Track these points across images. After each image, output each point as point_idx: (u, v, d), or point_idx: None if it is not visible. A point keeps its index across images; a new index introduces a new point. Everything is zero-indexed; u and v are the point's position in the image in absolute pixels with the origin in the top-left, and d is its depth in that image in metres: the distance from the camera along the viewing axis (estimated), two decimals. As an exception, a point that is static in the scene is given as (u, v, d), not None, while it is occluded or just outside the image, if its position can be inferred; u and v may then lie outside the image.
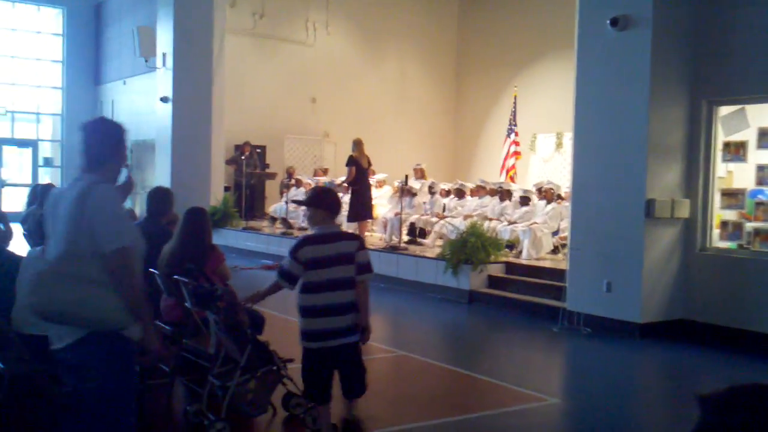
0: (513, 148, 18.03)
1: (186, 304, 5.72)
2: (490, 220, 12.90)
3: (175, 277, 5.70)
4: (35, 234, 8.38)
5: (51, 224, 3.46)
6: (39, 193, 8.95)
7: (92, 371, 3.33)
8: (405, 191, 13.96)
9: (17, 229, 8.60)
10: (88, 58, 23.59)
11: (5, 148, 23.17)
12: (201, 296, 5.32)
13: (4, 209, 21.87)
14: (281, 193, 18.24)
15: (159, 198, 6.99)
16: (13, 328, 4.89)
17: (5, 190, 23.05)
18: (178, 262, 5.95)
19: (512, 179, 17.58)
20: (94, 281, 3.24)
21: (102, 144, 3.54)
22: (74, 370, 3.38)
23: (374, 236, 15.07)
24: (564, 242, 12.01)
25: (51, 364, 4.91)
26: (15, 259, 5.72)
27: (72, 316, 3.25)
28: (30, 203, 9.42)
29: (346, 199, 13.27)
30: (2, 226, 6.80)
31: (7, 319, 4.91)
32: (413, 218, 14.17)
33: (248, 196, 18.06)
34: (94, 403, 3.37)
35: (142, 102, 20.32)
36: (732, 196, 9.10)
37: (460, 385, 6.99)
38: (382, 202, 15.58)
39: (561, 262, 11.27)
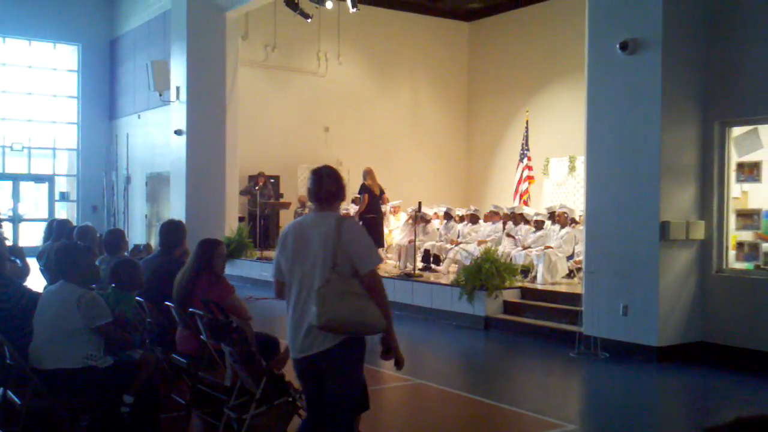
0: (526, 173, 18.05)
1: (201, 337, 5.73)
2: (511, 237, 12.83)
3: (191, 310, 5.72)
4: (52, 269, 8.47)
5: (298, 250, 4.10)
6: (55, 229, 9.03)
7: (343, 370, 4.07)
8: (419, 218, 13.96)
9: (34, 264, 8.68)
10: (103, 93, 23.88)
11: (22, 183, 23.42)
12: (215, 329, 5.33)
13: (21, 244, 22.19)
14: (295, 223, 18.26)
15: (171, 231, 7.02)
16: (30, 364, 4.92)
17: (22, 225, 23.25)
18: (190, 294, 5.97)
19: (526, 203, 17.58)
20: (361, 295, 3.96)
21: (336, 185, 4.24)
22: (326, 372, 4.06)
23: (388, 264, 15.07)
24: (579, 266, 11.96)
25: (67, 399, 4.95)
26: (32, 295, 5.77)
27: (352, 323, 3.94)
28: (46, 238, 9.51)
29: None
30: (19, 262, 6.88)
31: (23, 355, 4.94)
32: (427, 245, 14.16)
33: (262, 226, 18.12)
34: (339, 401, 4.06)
35: (157, 135, 20.52)
36: (747, 216, 9.05)
37: (479, 413, 6.94)
38: (400, 227, 15.61)
39: (576, 286, 11.22)
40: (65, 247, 5.30)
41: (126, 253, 7.94)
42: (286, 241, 4.20)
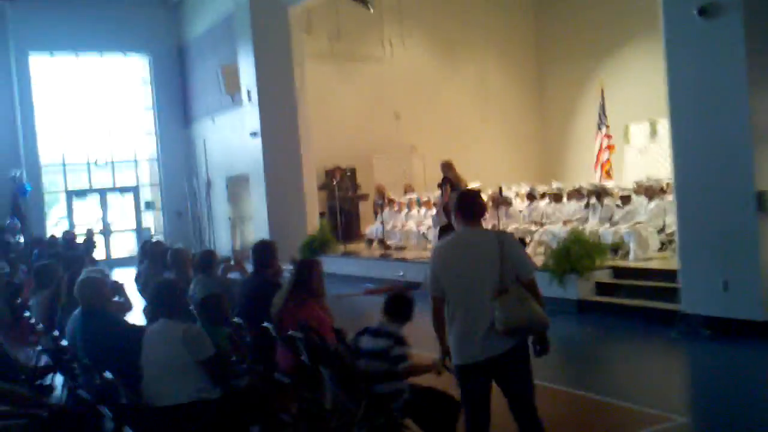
0: (606, 142, 17.61)
1: (302, 357, 5.80)
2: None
3: (290, 333, 5.79)
4: (153, 305, 8.70)
5: (464, 266, 4.61)
6: (149, 251, 9.29)
7: (526, 366, 4.66)
8: (500, 202, 13.80)
9: (132, 288, 8.97)
10: (176, 101, 24.39)
11: (109, 195, 24.21)
12: (312, 352, 5.39)
13: (113, 256, 22.94)
14: (375, 214, 18.36)
15: (262, 251, 7.12)
16: (143, 401, 5.07)
17: (112, 237, 24.04)
18: (285, 314, 6.05)
19: (608, 174, 17.19)
20: (530, 298, 4.50)
21: (474, 204, 4.78)
22: (510, 373, 4.62)
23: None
24: (671, 239, 11.64)
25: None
26: (136, 330, 5.95)
27: (531, 323, 4.53)
28: (140, 260, 9.79)
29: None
30: (120, 298, 7.09)
31: (136, 393, 5.10)
32: (511, 228, 13.99)
33: (343, 220, 18.26)
34: (528, 394, 4.68)
35: (232, 137, 20.85)
36: None
37: (579, 408, 6.84)
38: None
39: (671, 260, 10.91)
40: (165, 286, 5.43)
41: (218, 272, 8.08)
42: (447, 260, 4.68)
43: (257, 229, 19.15)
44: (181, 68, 24.43)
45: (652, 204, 12.04)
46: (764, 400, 6.88)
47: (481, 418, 4.71)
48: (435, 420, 5.29)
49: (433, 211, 15.14)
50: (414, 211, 17.14)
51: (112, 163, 24.00)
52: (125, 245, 24.19)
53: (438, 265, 4.70)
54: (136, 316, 7.84)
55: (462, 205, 4.75)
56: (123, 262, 20.69)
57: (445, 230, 13.86)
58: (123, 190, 24.45)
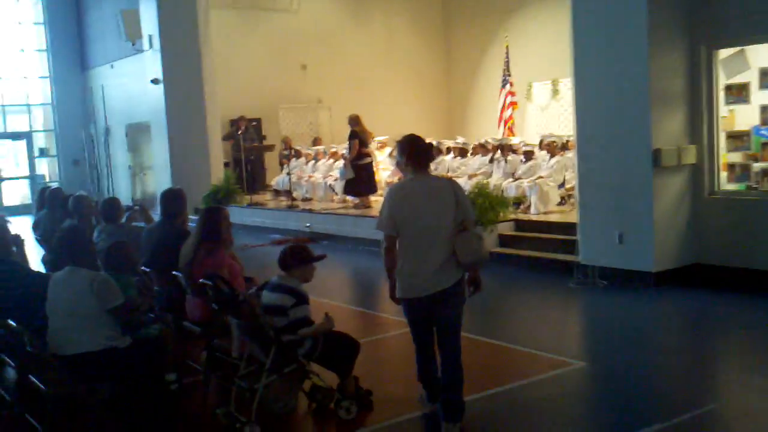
0: (509, 99, 17.95)
1: (213, 305, 5.77)
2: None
3: (201, 281, 5.74)
4: (47, 239, 8.43)
5: (418, 207, 4.91)
6: (48, 198, 8.96)
7: (458, 300, 5.02)
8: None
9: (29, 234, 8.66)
10: (72, 45, 23.35)
11: (-1, 142, 23.12)
12: (221, 302, 5.37)
13: (6, 202, 21.96)
14: (281, 165, 18.23)
15: (173, 199, 6.99)
16: (51, 350, 4.96)
17: (4, 184, 23.02)
18: (195, 263, 6.00)
19: (511, 130, 17.56)
20: (481, 237, 5.11)
21: (427, 151, 5.17)
22: (448, 302, 4.98)
23: (379, 201, 15.10)
24: (570, 193, 12.07)
25: (93, 382, 5.02)
26: (41, 277, 5.78)
27: (484, 256, 5.14)
28: (39, 207, 9.43)
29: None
30: (16, 250, 6.80)
31: (42, 342, 4.98)
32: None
33: (248, 171, 18.04)
34: (457, 323, 5.08)
35: (133, 85, 20.18)
36: (737, 138, 9.11)
37: (485, 355, 7.07)
38: (385, 166, 15.60)
39: (570, 214, 11.32)
40: (71, 233, 5.29)
41: (123, 221, 7.88)
42: (406, 201, 4.94)
43: (159, 179, 18.72)
44: (78, 10, 23.33)
45: (554, 160, 12.42)
46: (654, 344, 7.30)
47: (427, 338, 5.23)
48: (336, 359, 5.44)
49: (341, 163, 15.16)
50: (321, 163, 17.10)
51: (3, 107, 22.84)
52: (18, 193, 23.19)
53: (396, 205, 4.96)
54: (35, 266, 7.58)
55: (415, 151, 5.00)
56: (16, 210, 19.86)
57: (352, 183, 13.98)
58: (14, 136, 23.34)
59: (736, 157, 9.15)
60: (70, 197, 8.27)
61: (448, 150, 14.86)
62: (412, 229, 4.91)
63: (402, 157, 5.03)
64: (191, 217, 7.45)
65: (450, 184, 5.13)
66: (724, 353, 7.05)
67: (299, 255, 5.40)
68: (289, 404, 5.38)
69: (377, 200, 15.11)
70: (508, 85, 17.97)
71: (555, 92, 18.55)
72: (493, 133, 16.96)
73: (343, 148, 15.51)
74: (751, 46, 8.85)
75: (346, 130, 14.29)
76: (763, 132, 8.93)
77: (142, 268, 6.69)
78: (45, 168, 23.92)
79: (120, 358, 5.01)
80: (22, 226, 9.72)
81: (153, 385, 5.28)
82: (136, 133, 20.86)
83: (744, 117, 9.15)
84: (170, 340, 5.40)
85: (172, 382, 5.29)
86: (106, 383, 5.09)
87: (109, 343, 5.00)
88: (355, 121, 13.99)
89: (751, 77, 8.89)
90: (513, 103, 17.97)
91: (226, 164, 18.65)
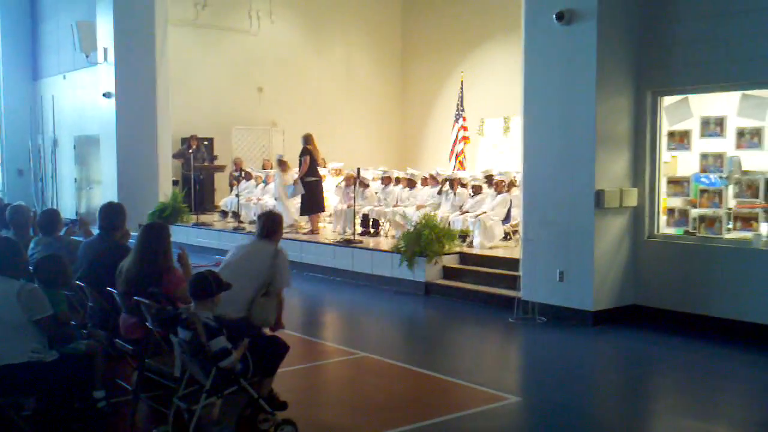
0: (461, 133, 18.17)
1: (147, 324, 5.67)
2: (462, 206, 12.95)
3: (136, 298, 5.64)
4: None
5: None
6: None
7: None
8: (358, 183, 13.96)
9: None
10: (24, 52, 22.95)
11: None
12: (165, 320, 5.28)
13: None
14: (231, 186, 18.11)
15: (112, 213, 6.88)
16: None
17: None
18: (136, 281, 5.90)
19: (462, 164, 17.74)
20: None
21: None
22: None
23: (327, 228, 15.08)
24: (515, 229, 12.20)
25: (15, 395, 4.88)
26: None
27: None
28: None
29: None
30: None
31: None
32: (366, 209, 14.20)
33: (197, 190, 17.87)
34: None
35: (85, 97, 19.90)
36: (677, 183, 9.34)
37: (422, 386, 7.07)
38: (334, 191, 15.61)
39: (514, 250, 11.44)
40: (3, 243, 5.17)
41: (61, 233, 7.72)
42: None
43: (105, 193, 18.38)
44: (32, 19, 22.99)
45: (499, 196, 12.55)
46: (589, 382, 7.39)
47: None
48: (263, 359, 5.42)
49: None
50: (270, 185, 17.02)
51: (-53, 111, 22.29)
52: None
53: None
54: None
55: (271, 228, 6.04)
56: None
57: (303, 201, 14.04)
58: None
59: (676, 202, 9.37)
60: (8, 207, 8.08)
61: (398, 180, 14.93)
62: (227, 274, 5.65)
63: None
64: (132, 233, 7.32)
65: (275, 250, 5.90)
66: (657, 393, 7.15)
67: (210, 285, 5.27)
68: (227, 427, 5.30)
69: (324, 227, 15.11)
70: (461, 120, 18.20)
71: (506, 129, 18.84)
72: (445, 166, 17.12)
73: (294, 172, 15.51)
74: (694, 95, 9.11)
75: (299, 154, 14.32)
76: (702, 179, 9.16)
77: (77, 282, 6.55)
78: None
79: (46, 372, 4.89)
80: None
81: (79, 401, 5.16)
82: (85, 145, 20.53)
83: (685, 163, 9.39)
84: (99, 356, 5.28)
85: (99, 399, 5.17)
86: (31, 397, 4.95)
87: (34, 356, 4.87)
88: (307, 139, 14.19)
89: (694, 125, 9.15)
90: (465, 138, 18.20)
91: (175, 182, 18.46)
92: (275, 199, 15.36)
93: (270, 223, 6.09)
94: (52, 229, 7.47)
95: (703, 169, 9.12)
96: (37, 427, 5.04)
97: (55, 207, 18.93)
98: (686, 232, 9.23)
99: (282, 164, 15.39)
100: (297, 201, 14.77)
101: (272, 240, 6.03)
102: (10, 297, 4.85)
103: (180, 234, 16.18)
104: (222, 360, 4.99)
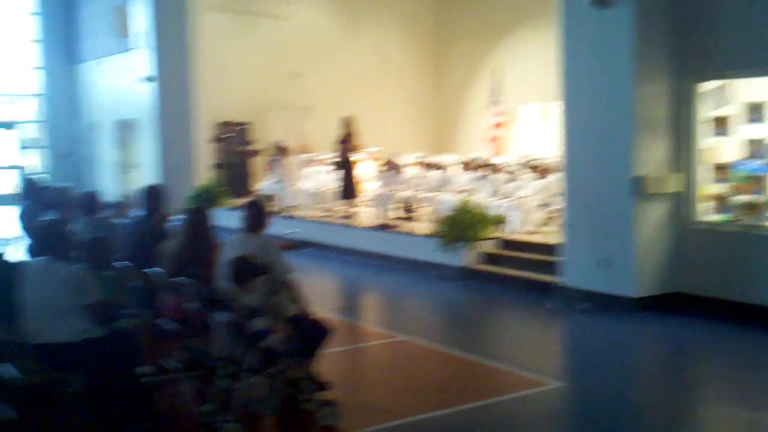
0: (496, 120, 18.02)
1: (190, 304, 5.71)
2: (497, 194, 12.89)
3: (178, 278, 5.68)
4: (31, 229, 8.32)
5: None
6: (31, 189, 8.86)
7: None
8: (394, 167, 13.93)
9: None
10: (64, 37, 23.21)
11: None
12: (209, 300, 5.32)
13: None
14: (270, 170, 18.13)
15: (154, 196, 6.93)
16: (23, 338, 4.87)
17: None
18: (183, 263, 5.95)
19: (498, 150, 17.60)
20: None
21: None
22: None
23: (365, 213, 15.07)
24: (552, 215, 12.07)
25: (62, 371, 4.94)
26: (9, 266, 5.71)
27: None
28: (24, 198, 9.30)
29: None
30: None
31: (10, 329, 4.90)
32: (403, 194, 14.17)
33: (234, 174, 17.96)
34: None
35: (122, 81, 20.07)
36: (721, 169, 9.16)
37: (462, 370, 7.06)
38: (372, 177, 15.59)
39: (553, 236, 11.32)
40: (50, 226, 5.22)
41: (101, 214, 7.80)
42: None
43: (144, 177, 18.60)
44: (70, 4, 23.23)
45: (537, 181, 12.43)
46: (633, 369, 7.31)
47: None
48: (307, 341, 5.47)
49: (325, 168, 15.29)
50: (308, 170, 17.05)
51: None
52: (4, 183, 22.91)
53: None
54: (20, 254, 7.52)
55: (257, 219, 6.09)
56: (6, 200, 19.63)
57: (345, 184, 14.09)
58: (5, 125, 23.13)
59: (720, 189, 9.20)
60: (53, 189, 8.19)
61: (435, 165, 14.84)
62: None
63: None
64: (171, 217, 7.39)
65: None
66: (702, 382, 7.06)
67: (248, 270, 5.35)
68: (270, 406, 5.34)
69: (358, 211, 15.12)
70: (496, 105, 18.03)
71: (542, 115, 18.62)
72: (480, 151, 16.98)
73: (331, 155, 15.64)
74: (739, 80, 8.92)
75: (335, 140, 14.33)
76: (747, 165, 8.99)
77: (119, 263, 6.61)
78: (32, 159, 23.70)
79: (93, 349, 4.96)
80: (8, 215, 9.64)
81: (124, 376, 5.21)
82: (124, 129, 20.75)
83: (729, 149, 9.21)
84: (143, 334, 5.34)
85: (143, 375, 5.22)
86: (79, 374, 5.01)
87: (85, 335, 4.93)
88: (346, 123, 14.08)
89: (738, 110, 8.96)
90: (500, 124, 18.04)
91: (217, 166, 18.56)
92: (277, 182, 15.58)
93: (256, 215, 6.10)
94: (92, 211, 7.55)
95: (749, 155, 8.93)
96: (84, 402, 5.10)
97: (97, 189, 19.24)
98: (730, 219, 9.06)
99: (281, 150, 15.73)
100: (334, 186, 14.79)
101: (259, 232, 6.05)
102: (58, 282, 4.90)
103: (218, 217, 16.27)
104: (260, 340, 5.03)
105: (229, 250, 5.92)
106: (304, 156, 17.58)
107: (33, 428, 5.10)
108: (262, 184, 17.60)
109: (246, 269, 5.32)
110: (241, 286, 5.27)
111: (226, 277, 5.39)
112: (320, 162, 16.61)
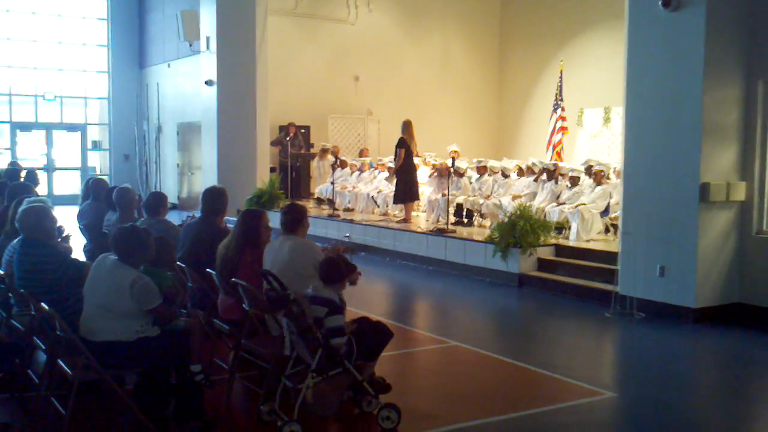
0: (560, 124, 17.81)
1: (244, 305, 5.80)
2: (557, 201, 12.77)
3: (234, 280, 5.77)
4: (93, 229, 8.57)
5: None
6: (92, 188, 9.10)
7: None
8: (452, 172, 13.89)
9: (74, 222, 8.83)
10: (132, 42, 23.85)
11: (55, 132, 23.60)
12: (274, 300, 5.38)
13: (56, 192, 22.44)
14: (333, 170, 18.26)
15: (214, 198, 7.04)
16: (81, 335, 5.01)
17: (56, 174, 23.51)
18: (233, 264, 6.04)
19: (559, 155, 17.40)
20: None
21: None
22: None
23: (420, 217, 15.08)
24: (614, 222, 11.88)
25: (116, 368, 5.07)
26: (79, 265, 5.86)
27: None
28: (84, 197, 9.60)
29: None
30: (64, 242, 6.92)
31: (73, 327, 5.03)
32: (460, 199, 14.12)
33: (293, 177, 18.16)
34: None
35: (187, 84, 20.51)
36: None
37: (515, 378, 6.99)
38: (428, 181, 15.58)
39: (611, 243, 11.16)
40: (129, 232, 5.29)
41: (166, 217, 7.95)
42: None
43: (205, 179, 18.95)
44: (140, 9, 23.84)
45: (599, 187, 12.25)
46: (689, 381, 7.13)
47: None
48: (369, 343, 5.46)
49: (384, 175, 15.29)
50: (365, 174, 17.14)
51: (61, 98, 23.38)
52: (69, 183, 23.67)
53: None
54: (77, 254, 7.70)
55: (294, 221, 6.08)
56: (65, 200, 20.26)
57: (401, 188, 14.09)
58: (70, 127, 23.85)
59: (789, 198, 8.93)
60: (115, 189, 8.39)
61: (494, 170, 14.74)
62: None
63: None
64: (227, 218, 7.51)
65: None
66: (759, 396, 6.84)
67: (338, 270, 5.41)
68: (331, 407, 5.37)
69: (414, 215, 15.11)
70: (559, 110, 17.84)
71: (606, 120, 18.36)
72: (542, 157, 16.82)
73: (388, 161, 15.67)
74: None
75: (394, 144, 14.34)
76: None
77: (179, 263, 6.74)
78: (97, 161, 24.39)
79: (148, 348, 5.04)
80: (69, 216, 9.92)
81: (178, 374, 5.31)
82: (187, 132, 21.17)
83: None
84: (197, 332, 5.42)
85: (196, 373, 5.31)
86: (133, 371, 5.13)
87: (140, 335, 5.04)
88: (405, 127, 14.09)
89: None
90: (563, 128, 17.83)
91: (273, 169, 18.81)
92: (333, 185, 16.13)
93: (293, 217, 6.10)
94: (156, 212, 7.69)
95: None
96: (138, 400, 5.22)
97: (159, 191, 19.69)
98: (798, 228, 8.78)
99: (324, 152, 16.95)
100: (391, 190, 14.83)
101: (298, 233, 6.05)
102: (123, 287, 4.97)
103: (276, 220, 16.48)
104: (335, 337, 5.08)
105: (267, 253, 5.99)
106: (363, 159, 17.70)
107: (86, 425, 5.24)
108: (320, 187, 17.77)
109: (337, 269, 5.39)
110: (330, 285, 5.34)
111: (315, 277, 5.46)
112: (379, 166, 16.67)
